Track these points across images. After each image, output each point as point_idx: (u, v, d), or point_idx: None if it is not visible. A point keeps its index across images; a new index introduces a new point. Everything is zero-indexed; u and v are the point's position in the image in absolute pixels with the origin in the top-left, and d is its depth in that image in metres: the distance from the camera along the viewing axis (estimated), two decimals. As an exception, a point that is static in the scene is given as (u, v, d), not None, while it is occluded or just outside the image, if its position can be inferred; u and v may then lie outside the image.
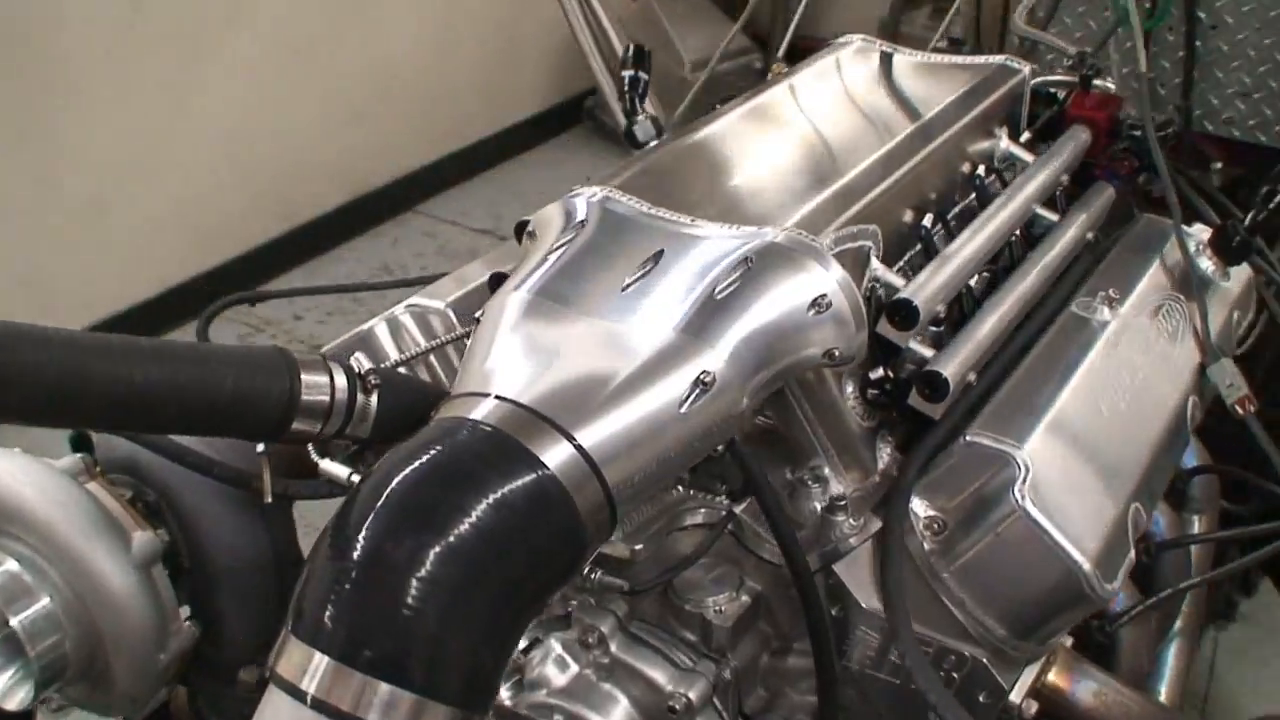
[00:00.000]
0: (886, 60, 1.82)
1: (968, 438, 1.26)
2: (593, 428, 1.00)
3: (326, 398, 1.09)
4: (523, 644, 1.33)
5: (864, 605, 1.24)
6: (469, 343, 1.14)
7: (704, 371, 1.08)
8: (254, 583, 1.35)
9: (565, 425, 0.98)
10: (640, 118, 1.75)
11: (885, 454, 1.34)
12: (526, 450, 0.96)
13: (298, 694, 0.87)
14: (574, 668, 1.32)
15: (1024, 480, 1.20)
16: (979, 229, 1.49)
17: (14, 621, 1.19)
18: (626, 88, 1.76)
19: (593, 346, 1.10)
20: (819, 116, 1.64)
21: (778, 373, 1.16)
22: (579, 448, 0.98)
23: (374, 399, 1.11)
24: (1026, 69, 1.79)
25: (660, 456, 1.05)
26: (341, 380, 1.10)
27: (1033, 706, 1.26)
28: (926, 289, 1.33)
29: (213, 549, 1.33)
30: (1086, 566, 1.18)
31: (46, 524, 1.20)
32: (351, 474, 1.19)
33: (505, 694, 1.32)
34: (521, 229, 1.30)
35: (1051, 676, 1.31)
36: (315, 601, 0.88)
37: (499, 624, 0.91)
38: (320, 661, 0.86)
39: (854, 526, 1.26)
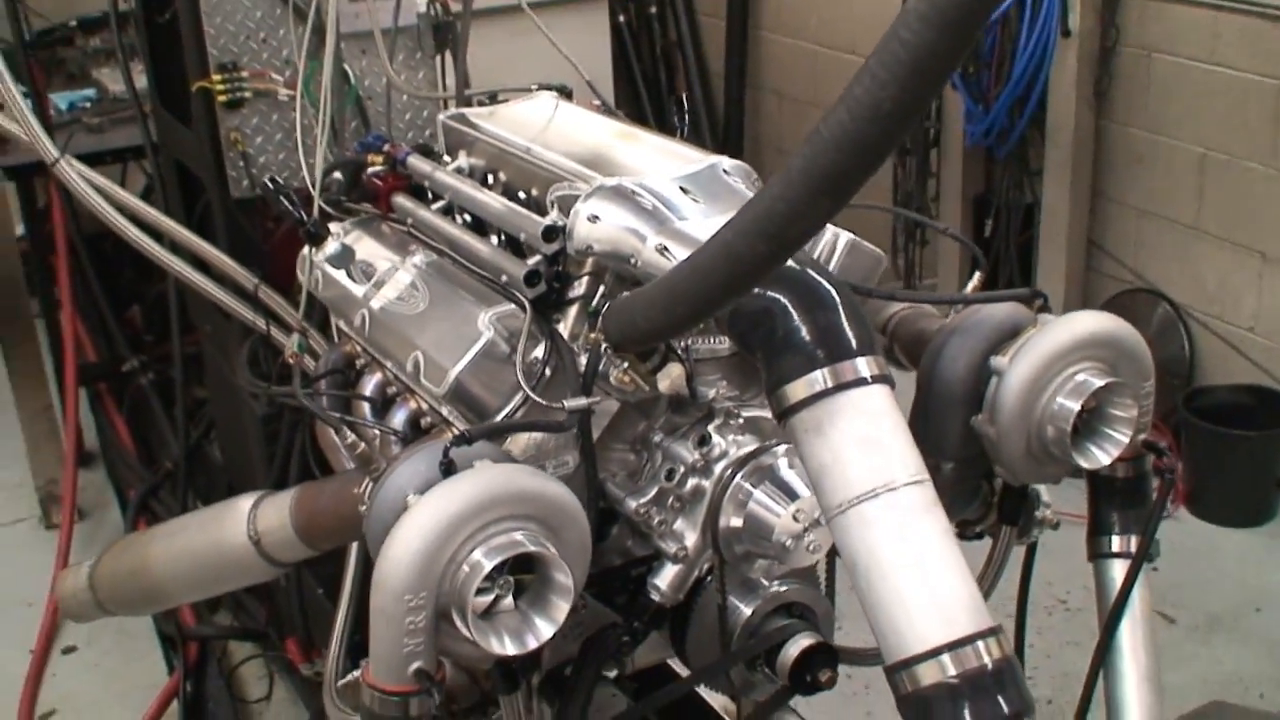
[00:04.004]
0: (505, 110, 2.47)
1: None
2: None
3: None
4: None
5: None
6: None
7: None
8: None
9: None
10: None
11: None
12: None
13: (810, 400, 1.59)
14: None
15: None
16: None
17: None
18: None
19: None
20: (565, 130, 2.30)
21: None
22: None
23: None
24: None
25: None
26: None
27: None
28: None
29: None
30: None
31: (540, 495, 1.69)
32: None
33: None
34: None
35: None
36: (792, 363, 1.60)
37: None
38: (817, 374, 1.59)
39: None
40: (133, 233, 2.81)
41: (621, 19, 7.26)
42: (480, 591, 1.62)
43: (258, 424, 3.34)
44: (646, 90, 7.43)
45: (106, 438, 5.06)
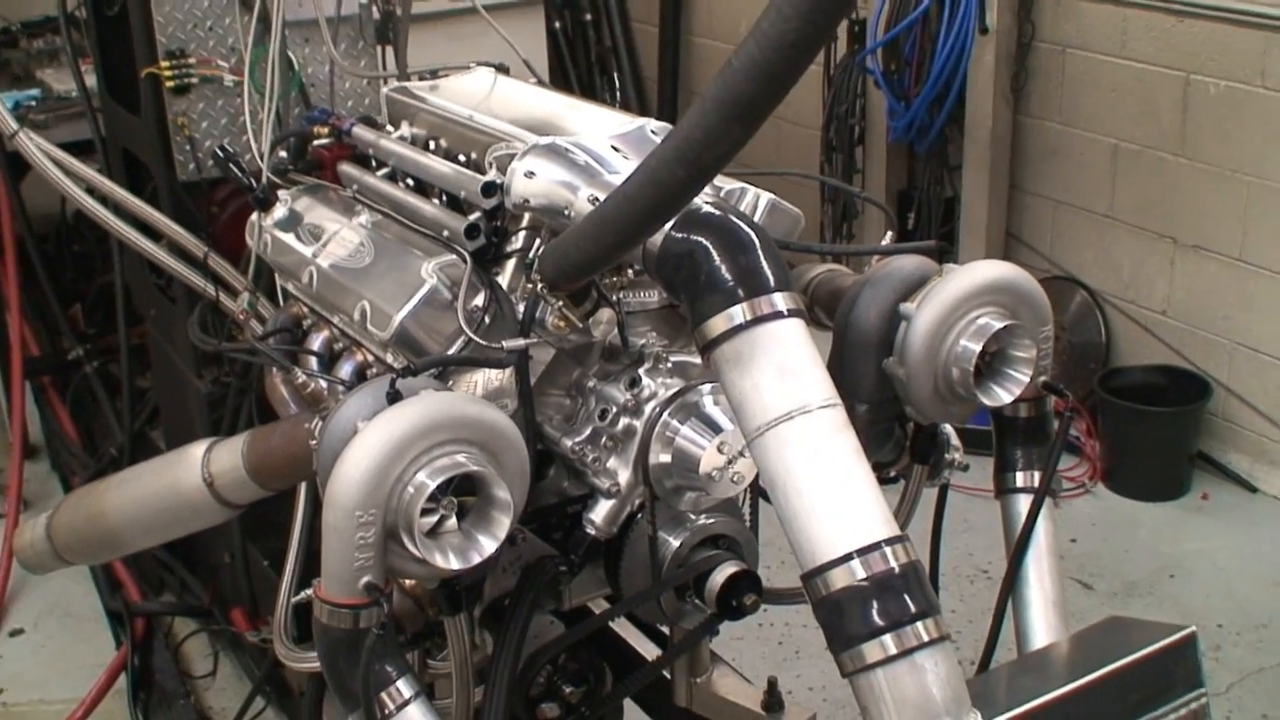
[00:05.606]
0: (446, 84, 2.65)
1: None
2: None
3: None
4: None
5: None
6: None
7: None
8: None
9: None
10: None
11: None
12: None
13: (730, 333, 1.71)
14: None
15: None
16: None
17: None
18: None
19: None
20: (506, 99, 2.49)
21: None
22: None
23: None
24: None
25: None
26: None
27: None
28: None
29: None
30: None
31: (480, 421, 1.81)
32: None
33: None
34: None
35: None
36: (714, 300, 1.73)
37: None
38: (737, 309, 1.72)
39: None
40: (89, 202, 2.93)
41: (557, 25, 7.43)
42: (426, 512, 1.75)
43: (202, 401, 3.45)
44: (582, 94, 7.59)
45: (51, 429, 5.14)
